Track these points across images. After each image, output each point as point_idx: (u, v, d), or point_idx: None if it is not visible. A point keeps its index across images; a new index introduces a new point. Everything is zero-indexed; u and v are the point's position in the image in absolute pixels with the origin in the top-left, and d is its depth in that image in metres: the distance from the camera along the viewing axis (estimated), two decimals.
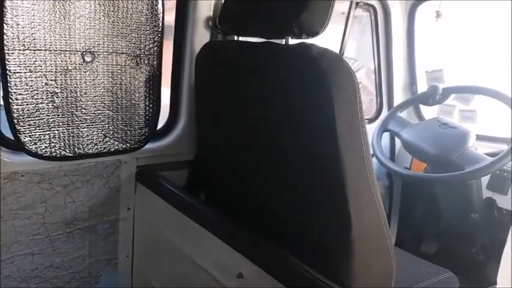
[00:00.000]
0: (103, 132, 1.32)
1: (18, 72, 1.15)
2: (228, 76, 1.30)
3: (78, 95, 1.25)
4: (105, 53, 1.26)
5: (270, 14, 1.17)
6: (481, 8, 2.27)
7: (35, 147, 1.22)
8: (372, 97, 2.30)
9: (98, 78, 1.27)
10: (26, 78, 1.16)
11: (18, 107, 1.17)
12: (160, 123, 1.50)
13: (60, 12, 1.17)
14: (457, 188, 1.83)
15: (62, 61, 1.20)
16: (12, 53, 1.13)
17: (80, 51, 1.22)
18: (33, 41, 1.15)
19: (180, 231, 1.33)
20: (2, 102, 1.17)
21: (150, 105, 1.38)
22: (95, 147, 1.32)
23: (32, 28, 1.14)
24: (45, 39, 1.16)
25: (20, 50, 1.13)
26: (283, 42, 1.15)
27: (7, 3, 1.10)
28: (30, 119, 1.19)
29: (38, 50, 1.16)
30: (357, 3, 1.99)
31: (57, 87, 1.21)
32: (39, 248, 1.38)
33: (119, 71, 1.30)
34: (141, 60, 1.32)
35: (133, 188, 1.50)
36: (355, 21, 2.17)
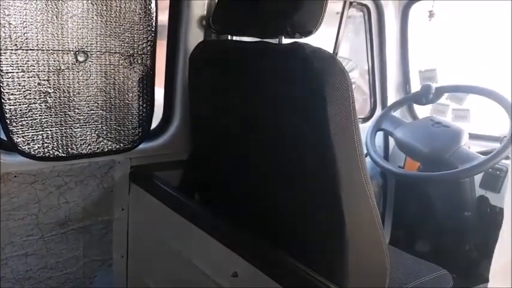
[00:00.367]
0: (96, 132, 1.31)
1: (10, 72, 1.14)
2: (221, 75, 1.30)
3: (71, 95, 1.24)
4: (98, 53, 1.26)
5: (263, 14, 1.17)
6: (474, 7, 2.28)
7: (28, 148, 1.21)
8: (366, 97, 2.31)
9: (91, 78, 1.26)
10: (18, 78, 1.15)
11: (11, 107, 1.16)
12: (154, 123, 1.50)
13: (52, 11, 1.16)
14: (450, 186, 1.84)
15: (54, 61, 1.20)
16: (5, 53, 1.12)
17: (72, 50, 1.22)
18: (26, 40, 1.14)
19: (174, 231, 1.33)
20: None
21: (144, 105, 1.37)
22: (89, 147, 1.32)
23: (24, 28, 1.13)
24: (37, 39, 1.16)
25: (12, 49, 1.13)
26: (277, 42, 1.15)
27: None
28: (23, 119, 1.19)
29: (31, 49, 1.15)
30: (351, 3, 1.99)
31: (50, 87, 1.20)
32: (33, 249, 1.37)
33: (112, 70, 1.29)
34: (135, 60, 1.32)
35: (127, 188, 1.50)
36: (349, 21, 2.18)
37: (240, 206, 1.34)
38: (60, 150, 1.27)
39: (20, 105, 1.17)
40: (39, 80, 1.19)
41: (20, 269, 1.37)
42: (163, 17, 1.48)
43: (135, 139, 1.40)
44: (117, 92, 1.32)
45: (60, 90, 1.22)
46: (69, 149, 1.28)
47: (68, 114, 1.26)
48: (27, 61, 1.16)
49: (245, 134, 1.26)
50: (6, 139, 1.20)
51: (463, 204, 1.85)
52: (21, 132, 1.19)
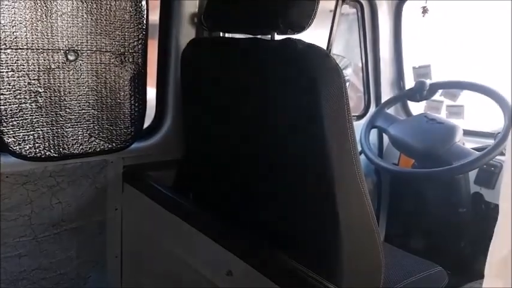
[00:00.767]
0: (88, 132, 1.30)
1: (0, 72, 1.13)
2: (213, 73, 1.29)
3: (62, 94, 1.23)
4: (88, 52, 1.24)
5: (255, 10, 1.16)
6: (467, 3, 2.29)
7: (19, 148, 1.20)
8: (360, 94, 2.31)
9: (81, 77, 1.25)
10: (8, 77, 1.14)
11: (1, 107, 1.15)
12: (147, 122, 1.49)
13: (41, 10, 1.15)
14: (444, 183, 1.84)
15: (44, 60, 1.18)
16: None
17: (63, 49, 1.20)
18: (15, 39, 1.12)
19: (168, 230, 1.32)
20: None
21: (136, 104, 1.36)
22: (80, 147, 1.30)
23: (13, 26, 1.11)
24: (26, 38, 1.14)
25: (1, 49, 1.11)
26: (269, 38, 1.14)
27: None
28: (13, 119, 1.17)
29: (20, 49, 1.14)
30: (344, 0, 1.99)
31: (40, 87, 1.19)
32: (26, 249, 1.36)
33: (103, 69, 1.28)
34: (126, 58, 1.31)
35: (120, 188, 1.49)
36: (343, 19, 2.17)
37: (234, 205, 1.34)
38: (51, 151, 1.26)
39: (10, 105, 1.16)
40: (30, 79, 1.17)
41: (14, 270, 1.36)
42: (155, 17, 1.47)
43: (127, 138, 1.38)
44: (108, 91, 1.31)
45: (51, 89, 1.21)
46: (61, 149, 1.27)
47: (59, 113, 1.24)
48: (17, 60, 1.15)
49: (238, 131, 1.25)
50: None
51: (457, 201, 1.85)
52: (12, 132, 1.18)
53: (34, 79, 1.18)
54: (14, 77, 1.15)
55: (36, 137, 1.22)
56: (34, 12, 1.14)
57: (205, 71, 1.32)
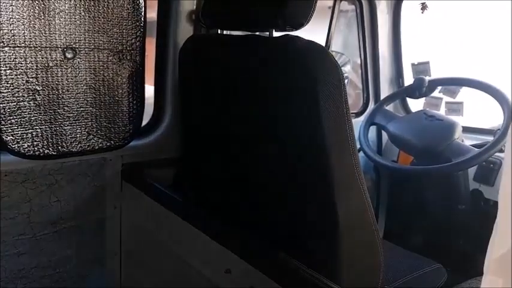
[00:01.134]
0: (86, 130, 1.30)
1: None
2: (211, 70, 1.29)
3: (60, 92, 1.23)
4: (86, 49, 1.24)
5: (253, 6, 1.16)
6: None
7: (18, 146, 1.20)
8: (358, 91, 2.30)
9: (80, 75, 1.25)
10: (6, 76, 1.14)
11: None
12: (145, 120, 1.49)
13: (39, 7, 1.14)
14: (444, 180, 1.84)
15: (42, 58, 1.18)
16: None
17: (60, 47, 1.20)
18: (13, 37, 1.12)
19: (167, 228, 1.33)
20: None
21: (134, 102, 1.36)
22: (79, 145, 1.30)
23: (10, 24, 1.11)
24: (24, 36, 1.14)
25: None
26: (267, 35, 1.14)
27: None
28: (11, 117, 1.17)
29: (18, 46, 1.13)
30: None
31: (38, 85, 1.19)
32: (25, 248, 1.36)
33: (101, 67, 1.28)
34: (124, 56, 1.30)
35: (119, 186, 1.49)
36: (342, 15, 2.17)
37: (233, 203, 1.33)
38: (50, 149, 1.25)
39: (8, 103, 1.16)
40: (28, 77, 1.17)
41: (13, 268, 1.36)
42: (153, 14, 1.47)
43: (126, 136, 1.38)
44: (106, 88, 1.30)
45: (49, 87, 1.21)
46: (60, 147, 1.27)
47: (58, 112, 1.24)
48: (15, 58, 1.14)
49: (237, 129, 1.25)
50: None
51: (457, 198, 1.85)
52: (10, 130, 1.18)
53: (32, 77, 1.18)
54: (12, 75, 1.15)
55: (34, 135, 1.22)
56: (31, 10, 1.14)
57: (203, 68, 1.32)
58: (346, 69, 2.17)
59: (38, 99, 1.20)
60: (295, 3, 1.08)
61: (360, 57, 2.22)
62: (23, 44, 1.14)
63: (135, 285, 1.53)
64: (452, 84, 1.96)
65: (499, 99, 1.69)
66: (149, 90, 1.50)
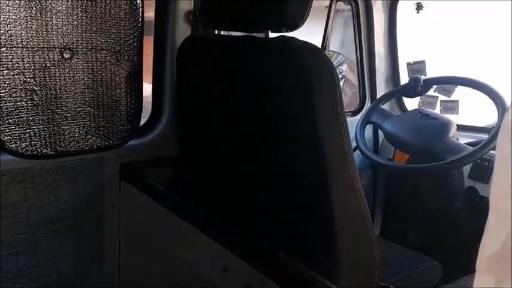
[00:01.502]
0: (85, 130, 1.30)
1: None
2: (209, 69, 1.29)
3: (58, 92, 1.23)
4: (84, 50, 1.25)
5: (249, 7, 1.17)
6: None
7: (16, 146, 1.20)
8: (355, 90, 2.31)
9: (77, 75, 1.25)
10: (3, 76, 1.14)
11: None
12: (143, 119, 1.50)
13: (36, 8, 1.15)
14: (439, 177, 1.85)
15: (40, 58, 1.18)
16: None
17: (58, 47, 1.21)
18: (10, 38, 1.12)
19: (165, 227, 1.33)
20: None
21: (132, 101, 1.37)
22: (77, 144, 1.31)
23: (7, 25, 1.11)
24: (21, 36, 1.14)
25: None
26: (263, 36, 1.15)
27: None
28: (9, 117, 1.17)
29: (15, 47, 1.14)
30: None
31: (36, 85, 1.19)
32: (24, 247, 1.37)
33: (99, 67, 1.28)
34: (122, 56, 1.31)
35: (117, 185, 1.49)
36: (338, 15, 2.18)
37: (230, 201, 1.34)
38: (48, 148, 1.26)
39: (5, 103, 1.16)
40: (25, 77, 1.18)
41: (11, 268, 1.36)
42: (150, 14, 1.48)
43: (124, 136, 1.39)
44: (104, 88, 1.31)
45: (46, 87, 1.21)
46: (58, 147, 1.27)
47: (56, 111, 1.24)
48: (12, 58, 1.15)
49: (234, 128, 1.26)
50: None
51: (452, 195, 1.86)
52: (8, 130, 1.18)
53: (30, 77, 1.18)
54: (9, 75, 1.15)
55: (32, 135, 1.22)
56: (29, 11, 1.14)
57: (200, 68, 1.33)
58: (343, 69, 2.18)
59: (36, 99, 1.20)
60: (290, 4, 1.09)
61: (356, 56, 2.23)
62: (20, 45, 1.15)
63: (134, 284, 1.54)
64: (448, 83, 1.98)
65: (493, 97, 1.70)
66: (149, 88, 1.51)
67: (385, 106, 2.09)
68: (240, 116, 1.22)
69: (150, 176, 1.46)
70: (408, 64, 2.12)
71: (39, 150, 1.24)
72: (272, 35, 1.14)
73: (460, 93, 1.98)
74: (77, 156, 1.36)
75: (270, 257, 1.03)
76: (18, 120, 1.19)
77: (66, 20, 1.20)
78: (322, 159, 1.01)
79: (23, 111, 1.19)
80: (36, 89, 1.20)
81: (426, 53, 2.21)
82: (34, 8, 1.15)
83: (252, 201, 1.28)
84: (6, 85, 1.15)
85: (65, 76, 1.23)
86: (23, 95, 1.18)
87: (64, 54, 1.22)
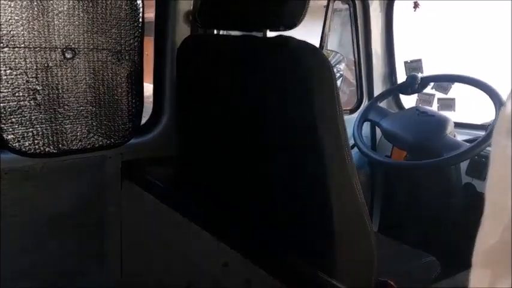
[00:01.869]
0: (87, 128, 1.32)
1: None
2: (208, 69, 1.31)
3: (60, 91, 1.25)
4: (85, 50, 1.26)
5: (247, 7, 1.18)
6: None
7: (19, 145, 1.22)
8: (353, 88, 2.33)
9: (79, 74, 1.27)
10: (6, 76, 1.16)
11: (0, 105, 1.16)
12: (145, 118, 1.51)
13: (38, 8, 1.16)
14: (436, 174, 1.86)
15: (42, 58, 1.20)
16: None
17: (60, 48, 1.22)
18: (12, 38, 1.14)
19: (167, 224, 1.34)
20: None
21: (133, 100, 1.38)
22: (79, 143, 1.32)
23: (9, 25, 1.13)
24: (24, 36, 1.16)
25: None
26: (261, 35, 1.16)
27: None
28: (12, 116, 1.19)
29: (17, 47, 1.15)
30: None
31: (38, 85, 1.21)
32: (26, 246, 1.37)
33: (101, 67, 1.30)
34: (122, 56, 1.33)
35: (119, 183, 1.50)
36: (336, 14, 2.19)
37: (231, 198, 1.35)
38: (51, 147, 1.27)
39: (8, 102, 1.18)
40: (28, 77, 1.19)
41: (14, 267, 1.36)
42: (150, 14, 1.49)
43: (125, 134, 1.40)
44: (106, 88, 1.32)
45: (49, 87, 1.23)
46: (60, 145, 1.28)
47: (58, 110, 1.26)
48: (15, 59, 1.16)
49: (234, 126, 1.27)
50: None
51: (449, 192, 1.88)
52: (11, 129, 1.19)
53: (32, 77, 1.20)
54: (12, 75, 1.17)
55: (35, 134, 1.24)
56: (30, 11, 1.16)
57: (200, 67, 1.34)
58: (341, 67, 2.20)
59: (38, 98, 1.22)
60: (288, 3, 1.10)
61: (354, 55, 2.24)
62: (22, 45, 1.16)
63: (136, 282, 1.55)
64: (444, 80, 1.99)
65: (491, 94, 1.71)
66: (150, 89, 1.52)
67: (383, 104, 2.10)
68: (239, 115, 1.24)
69: (152, 174, 1.47)
70: (405, 62, 2.13)
71: (42, 148, 1.25)
72: (271, 34, 1.15)
73: (457, 91, 1.99)
74: (79, 154, 1.37)
75: (270, 253, 1.04)
76: (21, 119, 1.20)
77: (67, 21, 1.21)
78: (320, 158, 1.03)
79: (26, 111, 1.21)
80: (38, 88, 1.21)
81: (423, 51, 2.22)
82: (36, 8, 1.16)
83: (252, 199, 1.29)
84: (9, 85, 1.17)
85: (67, 76, 1.25)
86: (26, 94, 1.20)
87: (66, 54, 1.23)
